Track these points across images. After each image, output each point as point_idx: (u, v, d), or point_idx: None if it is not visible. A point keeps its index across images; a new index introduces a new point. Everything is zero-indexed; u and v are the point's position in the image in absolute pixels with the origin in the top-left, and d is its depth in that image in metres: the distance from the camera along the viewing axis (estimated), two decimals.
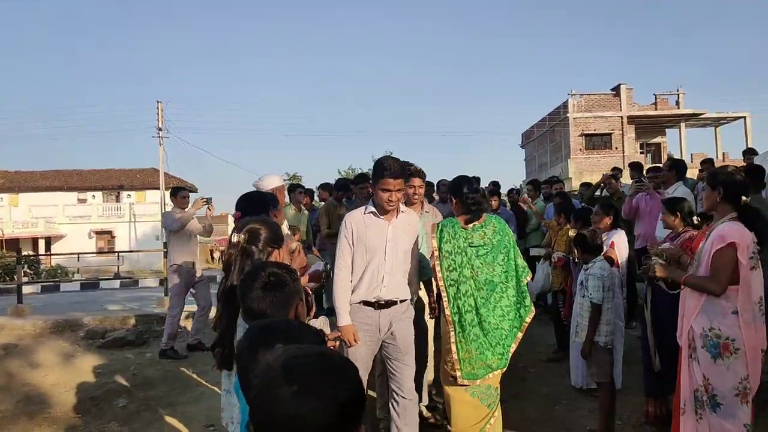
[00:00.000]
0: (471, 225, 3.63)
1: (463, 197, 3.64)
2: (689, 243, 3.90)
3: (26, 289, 14.08)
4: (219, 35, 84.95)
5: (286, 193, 5.49)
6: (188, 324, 7.51)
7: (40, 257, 30.04)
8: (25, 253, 32.35)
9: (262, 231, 2.39)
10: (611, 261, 4.63)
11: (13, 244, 29.75)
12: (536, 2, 76.73)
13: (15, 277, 11.15)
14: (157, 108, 31.70)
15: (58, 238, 38.06)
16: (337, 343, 2.78)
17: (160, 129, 31.54)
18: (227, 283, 2.39)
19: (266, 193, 3.85)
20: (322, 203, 8.40)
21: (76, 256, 26.03)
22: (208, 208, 7.04)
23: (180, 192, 7.21)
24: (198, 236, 7.21)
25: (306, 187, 8.28)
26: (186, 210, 7.01)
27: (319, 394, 1.04)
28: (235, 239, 2.41)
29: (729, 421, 3.17)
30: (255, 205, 3.30)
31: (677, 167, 6.51)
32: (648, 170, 7.79)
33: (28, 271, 26.11)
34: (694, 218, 4.31)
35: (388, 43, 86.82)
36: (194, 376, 6.16)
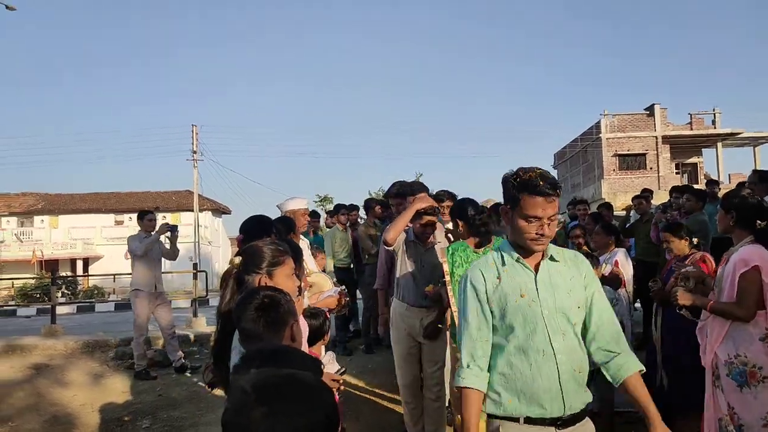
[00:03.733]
0: (482, 249, 3.60)
1: (470, 219, 3.62)
2: (702, 264, 3.83)
3: (62, 310, 14.42)
4: (252, 59, 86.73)
5: (307, 215, 5.53)
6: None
7: (78, 278, 30.75)
8: (63, 273, 33.25)
9: (257, 254, 2.39)
10: (618, 281, 4.55)
11: (53, 265, 30.56)
12: (566, 22, 76.50)
13: (50, 297, 11.41)
14: (192, 131, 32.40)
15: (96, 259, 38.93)
16: (339, 385, 2.77)
17: (194, 152, 32.21)
18: (221, 305, 2.40)
19: (265, 216, 3.86)
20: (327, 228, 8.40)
21: (112, 276, 26.57)
22: (168, 237, 7.12)
23: (146, 216, 7.24)
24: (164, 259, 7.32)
25: (349, 205, 8.23)
26: (152, 234, 7.06)
27: (289, 417, 1.05)
28: (235, 261, 2.42)
29: None
30: (257, 228, 3.30)
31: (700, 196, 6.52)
32: (672, 190, 7.66)
33: (66, 291, 26.80)
34: (694, 239, 4.24)
35: (419, 69, 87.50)
36: (220, 396, 6.18)
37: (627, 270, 4.87)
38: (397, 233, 4.05)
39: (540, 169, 2.10)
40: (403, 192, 4.54)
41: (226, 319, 2.27)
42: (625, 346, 2.15)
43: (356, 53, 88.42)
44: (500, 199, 3.98)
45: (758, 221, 3.20)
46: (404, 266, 4.22)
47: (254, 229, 3.28)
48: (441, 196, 4.71)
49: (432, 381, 4.23)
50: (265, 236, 2.98)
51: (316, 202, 35.41)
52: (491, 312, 2.15)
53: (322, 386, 1.15)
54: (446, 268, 3.59)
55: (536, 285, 2.11)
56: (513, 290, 2.11)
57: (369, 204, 7.90)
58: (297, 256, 2.68)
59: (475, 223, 3.62)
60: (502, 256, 2.19)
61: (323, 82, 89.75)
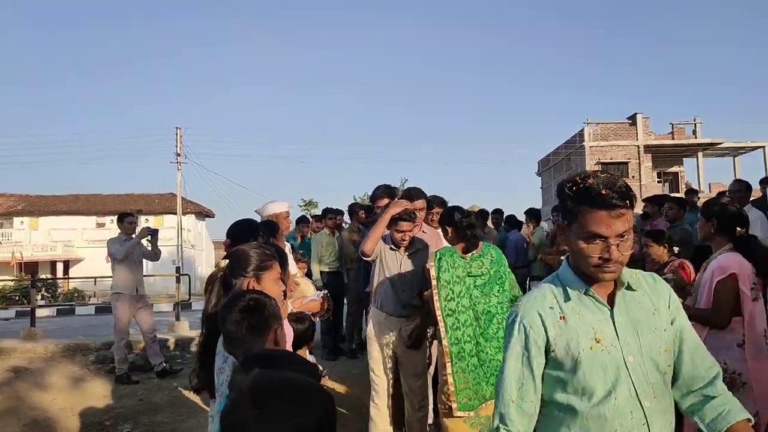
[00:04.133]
0: (470, 254, 3.63)
1: (458, 224, 3.66)
2: (681, 271, 3.89)
3: (42, 312, 14.22)
4: (239, 63, 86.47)
5: (290, 219, 5.52)
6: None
7: (58, 280, 30.35)
8: (43, 276, 32.78)
9: (244, 258, 2.40)
10: None
11: (32, 267, 30.14)
12: (549, 30, 77.26)
13: (29, 299, 11.28)
14: (176, 134, 32.22)
15: (77, 262, 38.48)
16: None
17: (178, 155, 32.01)
18: (207, 309, 2.40)
19: (253, 220, 3.87)
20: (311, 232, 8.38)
21: (93, 279, 26.29)
22: (149, 240, 7.07)
23: (127, 218, 7.17)
24: (145, 261, 7.27)
25: (334, 209, 8.22)
26: (132, 237, 7.01)
27: (283, 419, 1.07)
28: (221, 265, 2.43)
29: None
30: (244, 232, 3.31)
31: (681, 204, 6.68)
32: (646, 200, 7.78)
33: (45, 294, 26.44)
34: (675, 248, 4.31)
35: (401, 76, 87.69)
36: (200, 401, 6.15)
37: None
38: (374, 243, 4.00)
39: (605, 173, 1.66)
40: (391, 194, 4.49)
41: (211, 322, 2.27)
42: (722, 386, 1.70)
43: (342, 59, 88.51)
44: (484, 205, 4.04)
45: (738, 228, 3.29)
46: (382, 274, 4.13)
47: (241, 233, 3.29)
48: (432, 203, 4.72)
49: (415, 393, 4.12)
50: (251, 240, 2.99)
51: (301, 206, 35.35)
52: (558, 363, 1.65)
53: (320, 390, 1.17)
54: (433, 272, 3.61)
55: (614, 325, 1.64)
56: (584, 334, 1.63)
57: (353, 209, 7.92)
58: (283, 260, 2.69)
59: (462, 226, 3.65)
60: (565, 289, 1.70)
61: (310, 87, 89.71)
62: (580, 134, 32.98)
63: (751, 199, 6.69)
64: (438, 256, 3.64)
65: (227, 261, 2.42)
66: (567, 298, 1.68)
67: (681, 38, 68.07)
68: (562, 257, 5.49)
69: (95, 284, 27.07)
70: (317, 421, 1.12)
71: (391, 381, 4.16)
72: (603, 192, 1.57)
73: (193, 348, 8.41)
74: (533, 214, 8.76)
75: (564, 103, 74.20)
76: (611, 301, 1.67)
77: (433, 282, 3.58)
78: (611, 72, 75.27)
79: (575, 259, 1.70)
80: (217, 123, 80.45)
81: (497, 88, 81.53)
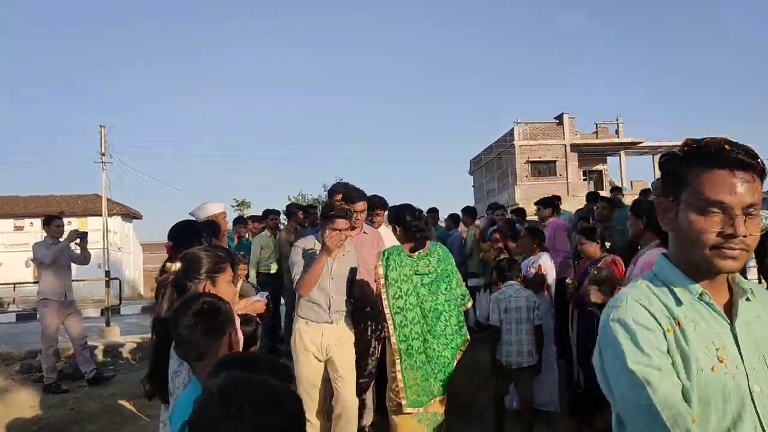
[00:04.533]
0: (417, 253, 3.70)
1: (408, 226, 3.71)
2: (613, 266, 4.11)
3: None
4: (167, 62, 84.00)
5: (228, 219, 5.45)
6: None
7: None
8: None
9: (199, 260, 2.36)
10: (542, 283, 4.83)
11: None
12: (479, 30, 78.95)
13: None
14: (100, 132, 30.93)
15: None
16: None
17: (102, 154, 30.73)
18: (159, 314, 2.35)
19: (196, 221, 3.80)
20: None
21: (12, 285, 24.91)
22: (77, 243, 6.81)
23: (54, 221, 6.88)
24: (74, 265, 7.05)
25: (276, 210, 8.13)
26: (60, 241, 6.73)
27: (249, 421, 1.08)
28: (171, 268, 2.37)
29: None
30: (187, 234, 3.23)
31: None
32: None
33: None
34: (607, 243, 4.56)
35: (334, 74, 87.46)
36: (136, 408, 5.97)
37: (550, 273, 5.12)
38: (309, 287, 3.76)
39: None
40: (358, 198, 4.35)
41: (164, 326, 2.22)
42: None
43: (271, 58, 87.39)
44: (418, 204, 4.09)
45: None
46: None
47: (184, 235, 3.21)
48: (373, 202, 4.73)
49: (344, 397, 3.85)
50: (196, 242, 2.94)
51: (234, 206, 34.72)
52: None
53: (290, 392, 1.19)
54: (380, 271, 3.66)
55: (737, 343, 1.25)
56: (704, 349, 1.23)
57: (291, 209, 7.89)
58: (233, 262, 2.66)
59: (412, 228, 3.70)
60: (672, 290, 1.29)
61: (241, 87, 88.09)
62: (511, 133, 33.90)
63: None
64: (386, 255, 3.69)
65: (179, 264, 2.37)
66: (678, 302, 1.27)
67: (604, 40, 70.98)
68: (503, 255, 5.68)
69: (14, 290, 25.64)
70: (284, 422, 1.13)
71: (323, 393, 3.95)
72: (726, 147, 1.22)
73: (127, 354, 8.16)
74: (471, 213, 8.97)
75: (494, 103, 76.05)
76: (728, 311, 1.28)
77: (381, 281, 3.63)
78: (540, 72, 77.73)
79: (681, 248, 1.30)
80: (142, 121, 77.78)
81: (433, 86, 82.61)
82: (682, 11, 67.60)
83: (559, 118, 33.86)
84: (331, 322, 3.87)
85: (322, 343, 3.88)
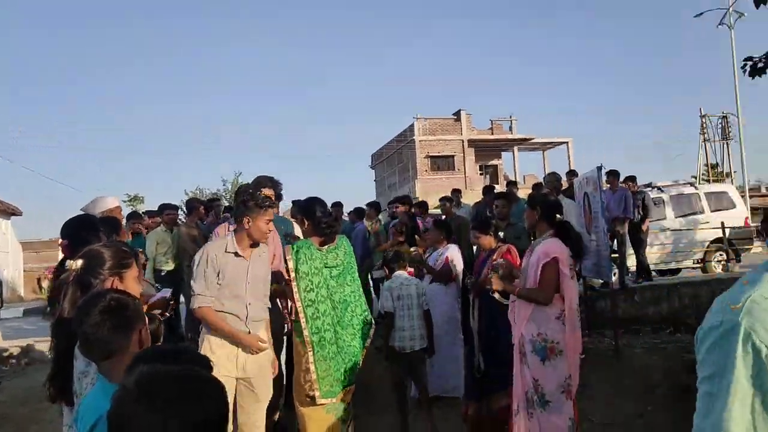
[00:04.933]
0: (326, 247, 3.74)
1: (317, 220, 3.74)
2: (508, 255, 4.36)
3: None
4: (49, 48, 78.19)
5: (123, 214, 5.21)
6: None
7: None
8: None
9: (103, 256, 2.27)
10: (449, 275, 5.03)
11: None
12: (379, 24, 79.71)
13: None
14: None
15: None
16: None
17: None
18: (58, 314, 2.24)
19: (91, 216, 3.62)
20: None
21: None
22: None
23: None
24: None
25: (173, 204, 7.81)
26: None
27: (167, 414, 1.08)
28: (73, 266, 2.26)
29: (556, 416, 3.55)
30: (83, 230, 3.05)
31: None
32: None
33: None
34: (500, 233, 4.83)
35: (229, 61, 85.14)
36: (27, 415, 5.60)
37: (458, 264, 5.31)
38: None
39: None
40: (275, 186, 4.24)
41: (65, 327, 2.12)
42: None
43: (159, 49, 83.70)
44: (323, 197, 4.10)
45: (557, 215, 3.79)
46: (225, 289, 3.39)
47: (80, 231, 3.04)
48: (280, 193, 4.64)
49: (256, 423, 3.48)
50: (94, 239, 2.80)
51: (126, 201, 33.06)
52: None
53: (213, 383, 1.19)
54: (291, 265, 3.66)
55: None
56: None
57: (192, 204, 7.70)
58: (136, 258, 2.57)
59: (322, 223, 3.73)
60: None
61: (130, 79, 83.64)
62: (411, 128, 34.58)
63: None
64: (295, 249, 3.69)
65: (80, 262, 2.26)
66: None
67: (502, 38, 73.82)
68: (412, 248, 5.84)
69: None
70: (204, 414, 1.14)
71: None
72: None
73: (12, 360, 7.63)
74: (375, 206, 9.10)
75: (395, 98, 77.13)
76: None
77: (292, 274, 3.63)
78: (439, 67, 79.55)
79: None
80: (24, 113, 72.05)
81: (332, 80, 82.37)
82: (570, 11, 71.64)
83: (457, 115, 34.93)
84: (249, 332, 3.41)
85: (238, 360, 3.39)
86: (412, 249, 6.07)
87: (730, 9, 23.05)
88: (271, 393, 3.60)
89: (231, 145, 74.39)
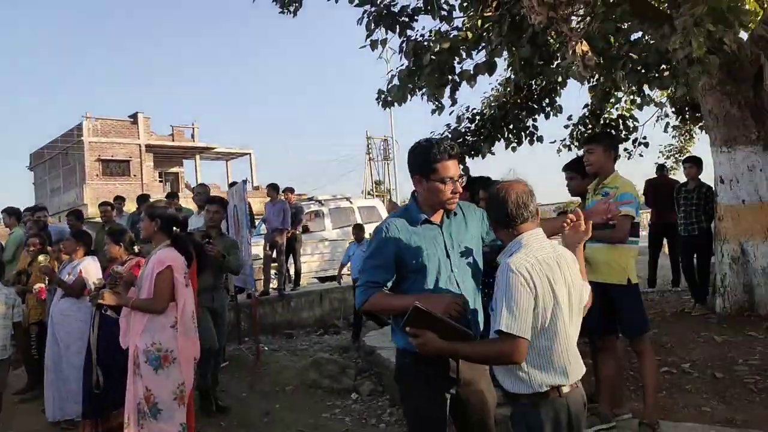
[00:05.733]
0: None
1: None
2: (137, 269, 4.32)
3: None
4: None
5: None
6: None
7: None
8: None
9: None
10: (80, 289, 4.76)
11: None
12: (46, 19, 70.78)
13: None
14: None
15: None
16: None
17: None
18: None
19: None
20: None
21: None
22: None
23: None
24: None
25: None
26: None
27: None
28: None
29: (168, 423, 3.61)
30: None
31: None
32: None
33: None
34: (135, 247, 4.77)
35: None
36: None
37: (92, 277, 4.78)
38: None
39: None
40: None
41: None
42: None
43: None
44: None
45: (175, 228, 3.86)
46: None
47: None
48: None
49: None
50: None
51: None
52: None
53: None
54: None
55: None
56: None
57: None
58: None
59: None
60: None
61: None
62: (79, 128, 31.40)
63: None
64: None
65: None
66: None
67: (183, 45, 71.86)
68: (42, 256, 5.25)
69: None
70: None
71: None
72: None
73: None
74: (14, 213, 7.95)
75: (61, 95, 69.05)
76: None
77: None
78: (115, 70, 73.91)
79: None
80: None
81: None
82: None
83: (134, 117, 32.93)
84: None
85: None
86: (41, 258, 5.54)
87: None
88: None
89: None
